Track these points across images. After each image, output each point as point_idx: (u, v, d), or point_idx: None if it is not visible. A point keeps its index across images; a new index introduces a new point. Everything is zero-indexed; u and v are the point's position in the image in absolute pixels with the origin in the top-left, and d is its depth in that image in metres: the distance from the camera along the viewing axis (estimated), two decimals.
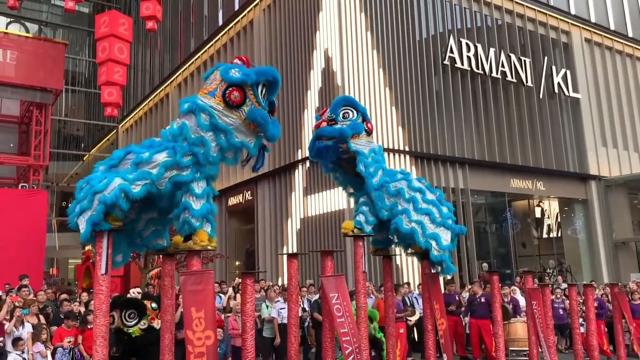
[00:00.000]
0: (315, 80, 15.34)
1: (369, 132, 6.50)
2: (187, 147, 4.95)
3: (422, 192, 6.44)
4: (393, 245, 7.06)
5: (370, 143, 6.46)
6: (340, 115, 6.37)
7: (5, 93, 17.23)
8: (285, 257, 6.85)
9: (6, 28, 26.32)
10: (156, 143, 5.13)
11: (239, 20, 19.44)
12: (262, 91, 5.14)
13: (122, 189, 4.67)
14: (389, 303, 6.92)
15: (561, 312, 10.88)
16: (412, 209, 6.31)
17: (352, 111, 6.41)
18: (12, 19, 31.14)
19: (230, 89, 5.02)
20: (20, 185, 17.43)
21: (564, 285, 11.91)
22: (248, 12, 18.95)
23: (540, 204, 21.21)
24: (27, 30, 30.51)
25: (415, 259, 13.66)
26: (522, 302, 10.32)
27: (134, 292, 8.50)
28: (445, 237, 6.35)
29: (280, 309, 9.33)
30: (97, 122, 32.40)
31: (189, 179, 4.95)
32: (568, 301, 9.56)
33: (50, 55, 17.21)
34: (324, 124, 6.41)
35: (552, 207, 21.30)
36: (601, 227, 19.63)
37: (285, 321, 7.83)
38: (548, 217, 21.34)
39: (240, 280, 8.37)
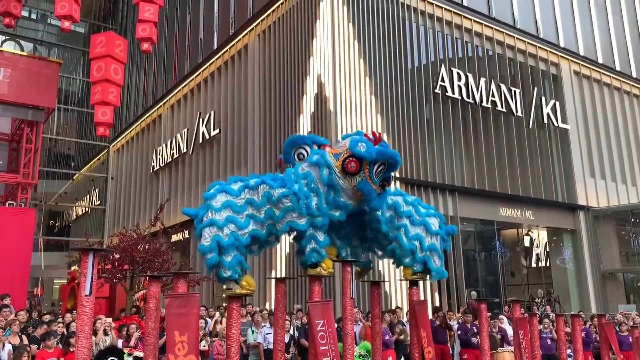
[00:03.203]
0: (308, 105, 15.46)
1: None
2: (306, 193, 5.70)
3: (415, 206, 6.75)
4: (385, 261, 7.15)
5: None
6: (297, 159, 6.40)
7: None
8: (273, 281, 6.83)
9: (1, 46, 26.41)
10: (284, 181, 5.76)
11: (233, 45, 19.65)
12: (379, 168, 5.92)
13: (252, 236, 5.43)
14: (376, 330, 6.87)
15: (549, 342, 10.83)
16: (409, 223, 6.59)
17: (304, 149, 6.41)
18: (7, 37, 31.28)
19: (351, 158, 5.80)
20: (7, 203, 17.26)
21: (552, 315, 11.89)
22: (243, 36, 19.17)
23: (529, 233, 21.29)
24: (22, 49, 30.64)
25: (404, 287, 13.67)
26: (510, 331, 10.28)
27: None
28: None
29: (266, 334, 9.22)
30: (88, 141, 32.32)
31: (303, 228, 5.69)
32: (556, 331, 9.54)
33: (44, 74, 17.22)
34: None
35: (540, 236, 21.39)
36: (589, 257, 19.70)
37: (271, 347, 7.73)
38: (537, 247, 21.41)
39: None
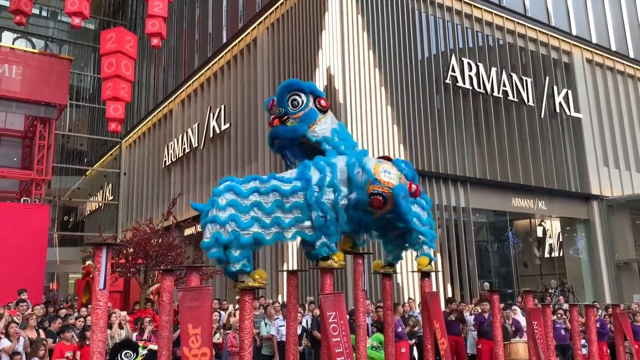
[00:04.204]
0: None
1: (324, 111, 6.28)
2: (322, 206, 5.55)
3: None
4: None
5: (329, 124, 6.28)
6: (290, 105, 6.10)
7: (10, 108, 17.38)
8: (285, 273, 6.85)
9: (13, 43, 26.63)
10: (299, 183, 5.61)
11: (242, 38, 19.64)
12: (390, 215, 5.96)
13: (255, 238, 5.28)
14: (388, 322, 6.87)
15: (563, 333, 10.78)
16: None
17: (299, 96, 6.13)
18: (19, 35, 31.51)
19: (381, 197, 5.74)
20: (22, 200, 17.49)
21: (566, 306, 11.82)
22: (252, 30, 19.16)
23: (542, 223, 21.15)
24: (34, 46, 30.86)
25: (416, 279, 13.66)
26: (523, 322, 10.24)
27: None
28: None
29: (280, 326, 9.27)
30: (101, 137, 32.56)
31: (312, 239, 5.57)
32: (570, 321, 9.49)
33: (55, 71, 17.38)
34: (277, 121, 6.16)
35: (553, 226, 21.24)
36: (603, 247, 19.53)
37: (284, 339, 7.78)
38: (550, 237, 21.27)
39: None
